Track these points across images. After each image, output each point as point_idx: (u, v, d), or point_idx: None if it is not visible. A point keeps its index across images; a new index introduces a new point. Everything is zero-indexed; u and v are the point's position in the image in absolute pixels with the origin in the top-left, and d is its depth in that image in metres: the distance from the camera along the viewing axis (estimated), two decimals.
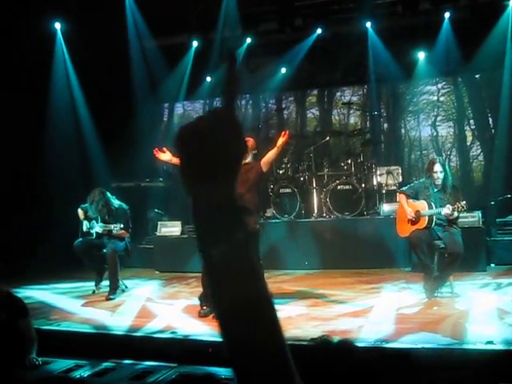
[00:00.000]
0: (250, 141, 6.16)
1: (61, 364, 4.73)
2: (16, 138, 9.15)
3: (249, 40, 11.43)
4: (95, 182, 8.67)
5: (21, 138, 9.14)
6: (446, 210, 6.15)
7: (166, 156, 6.17)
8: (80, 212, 7.68)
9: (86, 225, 7.58)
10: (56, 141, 9.67)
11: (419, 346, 4.42)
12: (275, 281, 7.67)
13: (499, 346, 4.32)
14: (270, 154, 6.16)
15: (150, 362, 4.88)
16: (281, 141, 6.08)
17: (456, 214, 6.22)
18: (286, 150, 10.43)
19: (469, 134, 11.44)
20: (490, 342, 4.36)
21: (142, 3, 10.58)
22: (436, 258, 6.48)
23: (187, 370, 4.60)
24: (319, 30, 11.10)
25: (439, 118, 11.63)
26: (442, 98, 11.66)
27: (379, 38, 10.92)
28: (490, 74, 10.94)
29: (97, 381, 4.43)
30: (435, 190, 6.45)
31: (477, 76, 11.34)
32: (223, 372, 4.25)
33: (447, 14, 10.44)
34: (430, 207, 6.35)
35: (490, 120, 11.27)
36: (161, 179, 11.00)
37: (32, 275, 8.27)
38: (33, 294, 7.49)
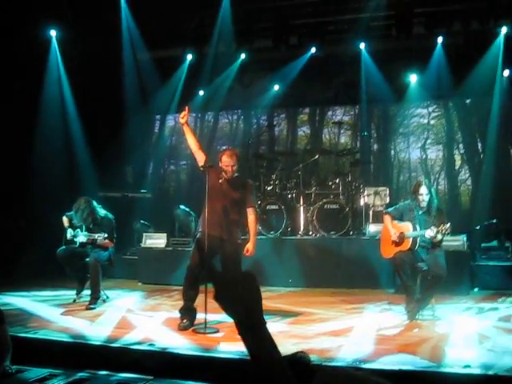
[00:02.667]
0: (234, 156, 6.18)
1: (35, 373, 4.64)
2: (4, 143, 9.12)
3: (243, 56, 11.49)
4: (82, 191, 8.62)
5: (9, 143, 9.12)
6: (430, 232, 6.16)
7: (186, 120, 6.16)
8: (65, 219, 7.63)
9: (70, 233, 7.52)
10: (45, 147, 9.65)
11: (397, 367, 4.39)
12: None
13: (477, 370, 4.30)
14: (253, 220, 6.31)
15: (125, 374, 4.82)
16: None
17: (440, 236, 6.22)
18: (275, 167, 10.47)
19: (458, 157, 11.54)
20: (468, 366, 4.34)
21: (138, 15, 10.62)
22: (419, 280, 6.47)
23: (163, 383, 4.55)
24: (313, 49, 11.21)
25: (429, 141, 11.73)
26: (432, 122, 11.77)
27: (372, 59, 11.04)
28: (480, 99, 11.06)
29: None
30: (420, 212, 6.47)
31: (467, 101, 11.47)
32: None
33: (440, 39, 10.58)
34: (415, 229, 6.36)
35: (479, 145, 11.37)
36: (144, 190, 10.98)
37: (13, 282, 8.20)
38: (12, 300, 7.41)
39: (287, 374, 1.66)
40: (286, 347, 5.15)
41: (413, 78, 11.18)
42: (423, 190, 6.43)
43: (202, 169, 6.14)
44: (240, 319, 1.60)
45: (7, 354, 4.58)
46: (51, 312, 6.86)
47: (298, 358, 2.05)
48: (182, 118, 6.15)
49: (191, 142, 6.29)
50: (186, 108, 6.23)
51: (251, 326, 1.58)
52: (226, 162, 6.12)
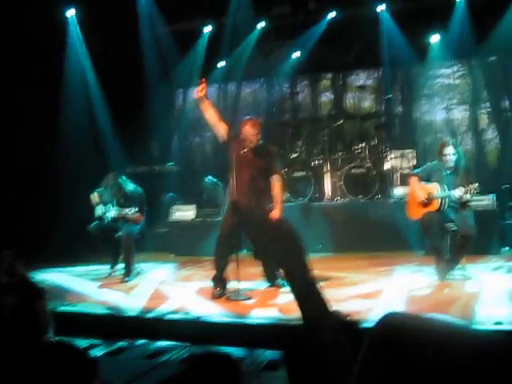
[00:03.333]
0: (257, 124, 6.21)
1: (77, 343, 4.82)
2: (31, 124, 9.26)
3: (262, 24, 11.40)
4: (110, 167, 8.74)
5: (35, 124, 9.26)
6: (458, 191, 6.14)
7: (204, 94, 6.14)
8: (95, 196, 7.76)
9: (100, 209, 7.66)
10: (70, 127, 9.75)
11: None
12: None
13: (508, 327, 4.34)
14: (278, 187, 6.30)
15: (162, 342, 4.97)
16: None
17: (468, 196, 6.20)
18: (300, 134, 10.46)
19: (484, 117, 11.35)
20: (499, 323, 4.38)
21: None
22: (448, 240, 6.48)
23: (199, 349, 4.68)
24: (333, 14, 11.03)
25: (454, 101, 11.54)
26: (456, 81, 11.57)
27: (393, 20, 10.83)
28: (506, 55, 10.80)
29: (111, 359, 4.54)
30: (447, 173, 6.43)
31: (492, 58, 11.21)
32: (235, 352, 4.34)
33: None
34: (443, 189, 6.34)
35: (507, 102, 11.17)
36: (170, 163, 11.07)
37: (48, 259, 8.38)
38: (48, 277, 7.62)
39: (340, 338, 1.60)
40: None
41: (435, 38, 10.96)
42: (449, 149, 6.38)
43: (222, 142, 6.19)
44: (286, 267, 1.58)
45: (48, 327, 4.75)
46: (87, 286, 7.06)
47: (351, 324, 2.02)
48: (201, 91, 6.11)
49: (210, 114, 6.26)
50: (203, 80, 6.22)
51: (299, 275, 1.56)
52: (249, 131, 6.13)
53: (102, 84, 10.62)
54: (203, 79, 6.25)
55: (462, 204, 6.33)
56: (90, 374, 1.79)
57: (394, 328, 1.19)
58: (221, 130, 6.25)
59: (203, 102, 6.21)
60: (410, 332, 1.18)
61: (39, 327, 4.70)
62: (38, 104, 9.26)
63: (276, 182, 6.31)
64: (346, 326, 1.84)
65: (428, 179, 6.55)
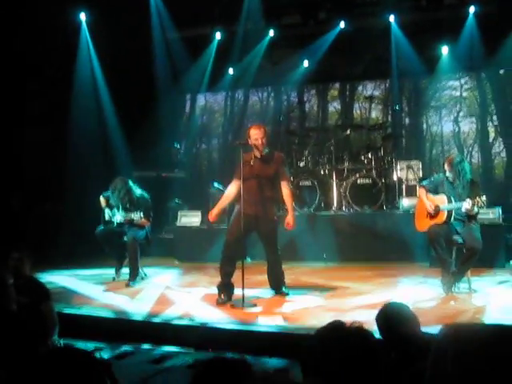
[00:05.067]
0: (262, 129, 6.24)
1: (81, 346, 4.83)
2: (39, 127, 9.31)
3: (272, 32, 11.44)
4: (117, 171, 8.77)
5: (44, 126, 9.31)
6: (466, 204, 6.13)
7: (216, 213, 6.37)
8: (102, 200, 7.78)
9: (107, 213, 7.68)
10: (79, 130, 9.78)
11: None
12: (293, 272, 7.71)
13: None
14: (288, 194, 6.34)
15: (167, 347, 4.98)
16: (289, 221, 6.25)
17: (476, 209, 6.19)
18: (307, 143, 10.49)
19: (491, 130, 11.37)
20: None
21: None
22: (454, 253, 6.47)
23: (204, 356, 4.68)
24: (342, 24, 11.07)
25: (461, 114, 11.57)
26: (464, 94, 11.59)
27: (402, 31, 10.87)
28: None
29: (116, 363, 4.54)
30: (454, 185, 6.43)
31: (501, 71, 11.23)
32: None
33: (472, 9, 10.35)
34: (450, 202, 6.34)
35: None
36: (177, 170, 11.11)
37: (54, 261, 8.41)
38: (55, 279, 7.64)
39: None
40: (323, 320, 5.23)
41: (444, 50, 10.99)
42: (456, 162, 6.40)
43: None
44: None
45: (55, 329, 4.77)
46: (92, 289, 7.07)
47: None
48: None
49: (229, 199, 6.44)
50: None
51: None
52: (255, 134, 6.15)
53: (111, 88, 10.67)
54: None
55: (469, 217, 6.32)
56: (104, 376, 1.80)
57: (461, 340, 1.28)
58: (237, 187, 6.26)
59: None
60: (478, 343, 1.25)
61: (45, 328, 4.72)
62: (48, 107, 9.32)
63: (285, 189, 6.32)
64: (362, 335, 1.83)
65: (435, 191, 6.55)
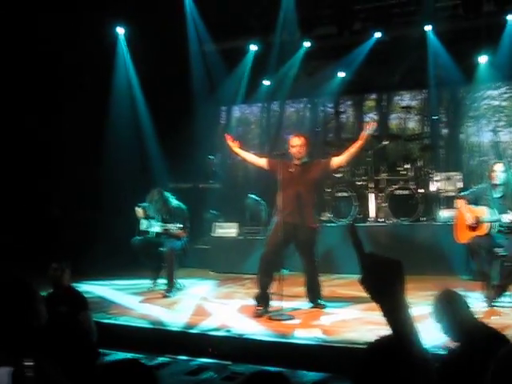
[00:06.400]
0: (302, 138, 6.28)
1: (118, 356, 4.85)
2: (78, 137, 9.46)
3: (307, 44, 11.43)
4: (154, 182, 8.83)
5: (82, 137, 9.45)
6: (509, 216, 6.00)
7: (236, 146, 6.61)
8: (139, 210, 7.83)
9: (144, 223, 7.73)
10: (117, 140, 9.89)
11: None
12: (330, 284, 7.63)
13: None
14: (352, 149, 6.33)
15: (204, 359, 4.96)
16: (365, 133, 6.20)
17: None
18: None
19: None
20: None
21: (202, 7, 10.73)
22: (497, 266, 6.30)
23: (241, 368, 4.65)
24: (378, 34, 10.98)
25: (501, 124, 11.34)
26: (504, 103, 11.37)
27: (439, 41, 10.72)
28: None
29: None
30: (496, 196, 6.30)
31: None
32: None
33: (511, 16, 10.18)
34: (492, 213, 6.20)
35: None
36: (211, 181, 11.15)
37: (91, 271, 8.47)
38: (92, 289, 7.70)
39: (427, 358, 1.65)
40: (361, 333, 5.16)
41: (482, 59, 10.80)
42: (499, 170, 6.27)
43: (268, 170, 6.42)
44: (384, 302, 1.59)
45: (93, 338, 4.79)
46: (129, 300, 7.11)
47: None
48: (232, 145, 6.65)
49: (249, 157, 6.71)
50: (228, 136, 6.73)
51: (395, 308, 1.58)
52: (295, 142, 6.25)
53: (148, 99, 10.78)
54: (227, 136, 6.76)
55: None
56: None
57: None
58: (261, 163, 6.54)
59: (239, 151, 6.67)
60: None
61: (83, 337, 4.74)
62: (86, 118, 9.46)
63: (339, 156, 6.46)
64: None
65: (476, 202, 6.43)
